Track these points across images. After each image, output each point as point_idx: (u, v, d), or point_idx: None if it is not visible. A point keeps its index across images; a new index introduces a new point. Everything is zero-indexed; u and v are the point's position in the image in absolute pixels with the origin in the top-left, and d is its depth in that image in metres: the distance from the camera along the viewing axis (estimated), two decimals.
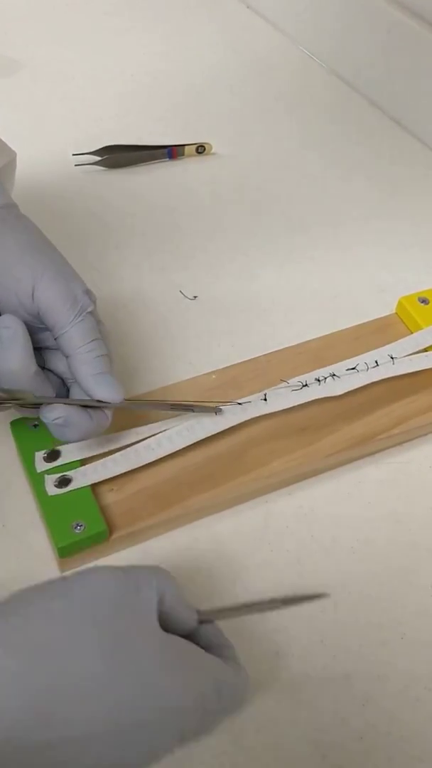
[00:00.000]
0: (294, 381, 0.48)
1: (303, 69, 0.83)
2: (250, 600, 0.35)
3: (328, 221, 0.65)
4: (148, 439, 0.44)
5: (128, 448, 0.44)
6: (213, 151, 0.69)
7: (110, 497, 0.43)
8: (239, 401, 0.46)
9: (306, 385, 0.48)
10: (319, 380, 0.48)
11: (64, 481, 0.42)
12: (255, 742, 0.37)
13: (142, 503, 0.42)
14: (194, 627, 0.33)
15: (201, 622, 0.34)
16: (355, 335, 0.53)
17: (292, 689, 0.38)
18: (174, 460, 0.44)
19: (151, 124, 0.72)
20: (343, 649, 0.40)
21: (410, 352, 0.51)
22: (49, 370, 0.43)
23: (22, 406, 0.40)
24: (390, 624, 0.41)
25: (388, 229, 0.65)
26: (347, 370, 0.49)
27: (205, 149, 0.69)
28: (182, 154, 0.68)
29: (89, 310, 0.40)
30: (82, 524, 0.40)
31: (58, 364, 0.43)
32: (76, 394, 0.42)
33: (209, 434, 0.45)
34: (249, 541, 0.44)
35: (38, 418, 0.40)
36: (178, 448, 0.44)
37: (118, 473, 0.43)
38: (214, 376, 0.49)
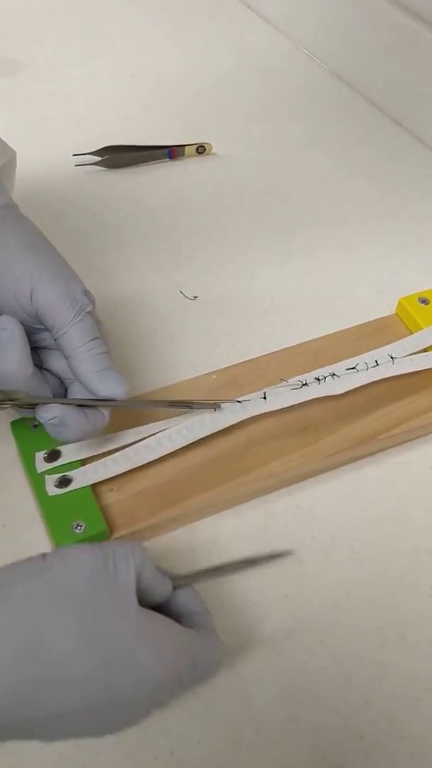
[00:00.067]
0: (294, 380, 0.48)
1: (303, 69, 0.83)
2: (221, 563, 0.37)
3: (328, 221, 0.65)
4: (148, 439, 0.44)
5: (128, 448, 0.44)
6: (213, 151, 0.69)
7: (110, 497, 0.43)
8: (239, 399, 0.46)
9: (306, 384, 0.48)
10: (318, 379, 0.48)
11: (64, 482, 0.42)
12: (255, 742, 0.37)
13: (142, 503, 0.42)
14: (169, 595, 0.35)
15: (176, 587, 0.35)
16: (356, 335, 0.53)
17: (292, 689, 0.38)
18: (174, 460, 0.44)
19: (151, 124, 0.72)
20: (343, 649, 0.40)
21: (410, 352, 0.51)
22: (47, 370, 0.43)
23: (19, 406, 0.40)
24: (390, 624, 0.41)
25: (388, 229, 0.65)
26: (347, 369, 0.49)
27: (205, 149, 0.69)
28: (182, 154, 0.68)
29: (88, 309, 0.40)
30: (82, 524, 0.40)
31: (55, 363, 0.43)
32: (74, 394, 0.42)
33: (209, 433, 0.45)
34: (249, 541, 0.44)
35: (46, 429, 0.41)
36: (177, 447, 0.44)
37: (118, 473, 0.43)
38: (214, 377, 0.49)
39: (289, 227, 0.64)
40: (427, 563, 0.44)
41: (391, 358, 0.50)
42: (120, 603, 0.31)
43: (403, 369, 0.50)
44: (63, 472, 0.42)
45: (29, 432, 0.44)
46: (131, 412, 0.46)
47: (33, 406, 0.40)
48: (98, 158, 0.66)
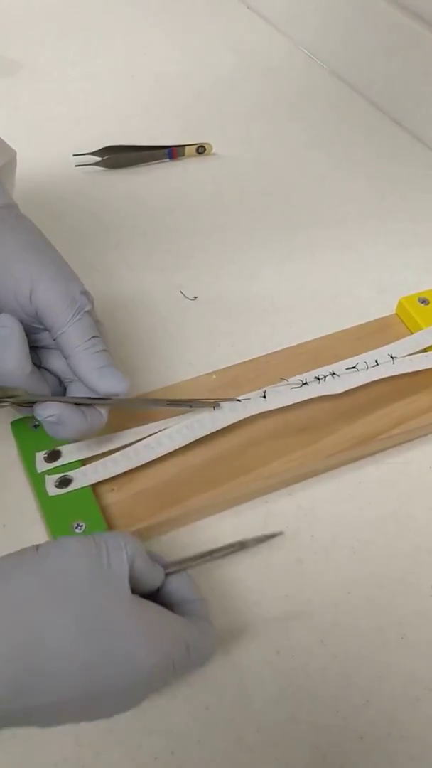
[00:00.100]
0: (294, 379, 0.48)
1: (303, 70, 0.83)
2: (212, 547, 0.38)
3: (328, 221, 0.65)
4: (148, 438, 0.44)
5: (128, 448, 0.44)
6: (213, 151, 0.69)
7: (111, 497, 0.43)
8: (238, 398, 0.46)
9: (306, 383, 0.48)
10: (318, 379, 0.48)
11: (64, 482, 0.42)
12: (255, 742, 0.37)
13: (142, 503, 0.42)
14: (161, 583, 0.36)
15: (168, 573, 0.36)
16: (356, 335, 0.53)
17: (292, 689, 0.38)
18: (174, 460, 0.44)
19: (151, 124, 0.72)
20: (343, 650, 0.40)
21: (410, 352, 0.51)
22: (47, 369, 0.43)
23: (18, 404, 0.40)
24: (390, 624, 0.41)
25: (388, 229, 0.65)
26: (347, 369, 0.49)
27: (205, 149, 0.69)
28: (182, 154, 0.68)
29: (87, 309, 0.41)
30: (82, 524, 0.40)
31: (55, 363, 0.43)
32: (73, 393, 0.42)
33: (209, 432, 0.45)
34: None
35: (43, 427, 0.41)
36: (177, 446, 0.44)
37: (118, 473, 0.43)
38: (214, 377, 0.49)
39: (289, 227, 0.64)
40: (427, 563, 0.44)
41: (391, 357, 0.50)
42: (113, 593, 0.32)
43: (403, 369, 0.50)
44: (63, 472, 0.42)
45: (29, 432, 0.44)
46: (131, 411, 0.46)
47: (31, 404, 0.40)
48: (98, 158, 0.66)
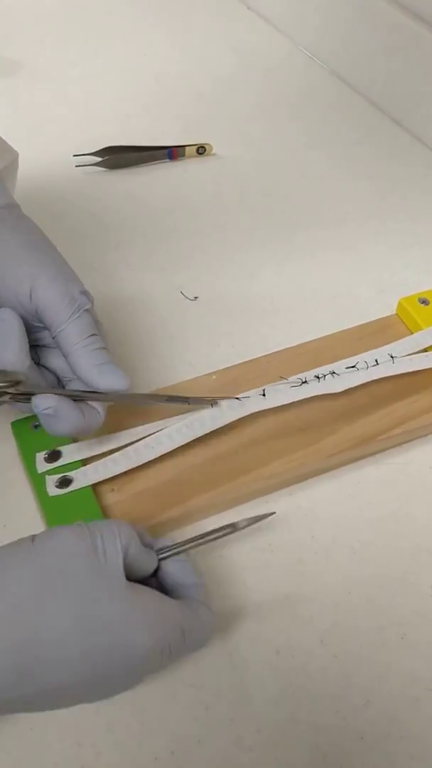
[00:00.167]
0: (293, 378, 0.48)
1: (304, 70, 0.83)
2: (205, 531, 0.38)
3: (328, 221, 0.65)
4: (148, 438, 0.44)
5: (128, 447, 0.44)
6: (213, 151, 0.69)
7: (111, 498, 0.43)
8: (237, 396, 0.46)
9: (305, 381, 0.48)
10: (318, 377, 0.48)
11: (65, 482, 0.42)
12: (255, 742, 0.37)
13: (142, 503, 0.42)
14: (155, 568, 0.36)
15: (165, 558, 0.37)
16: (356, 336, 0.53)
17: (292, 689, 0.39)
18: (174, 460, 0.44)
19: (151, 124, 0.72)
20: (344, 650, 0.40)
21: (410, 352, 0.51)
22: (46, 368, 0.43)
23: (16, 395, 0.39)
24: (390, 624, 0.41)
25: (388, 229, 0.65)
26: (347, 368, 0.49)
27: (205, 150, 0.69)
28: (183, 154, 0.68)
29: (86, 308, 0.41)
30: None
31: (54, 361, 0.43)
32: None
33: (209, 430, 0.45)
34: (249, 542, 0.44)
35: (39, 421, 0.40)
36: (177, 446, 0.44)
37: (118, 472, 0.43)
38: (214, 377, 0.49)
39: (289, 227, 0.64)
40: (427, 563, 0.44)
41: (391, 357, 0.50)
42: (109, 580, 0.32)
43: (403, 368, 0.50)
44: (63, 472, 0.42)
45: (30, 432, 0.44)
46: (131, 411, 0.46)
47: (29, 398, 0.39)
48: (98, 159, 0.66)
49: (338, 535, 0.44)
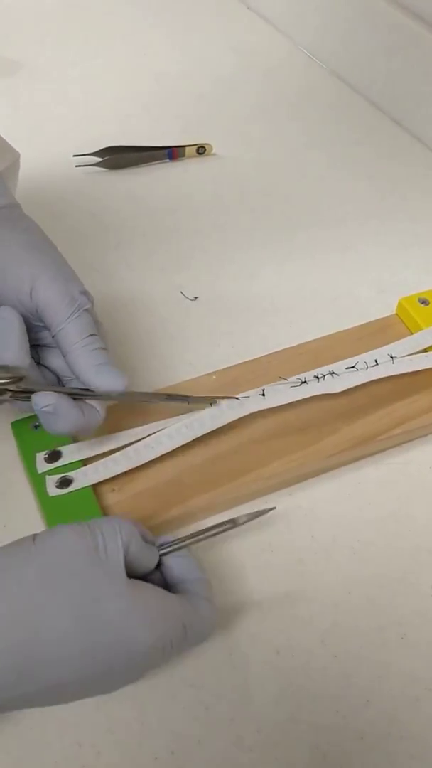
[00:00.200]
0: (293, 378, 0.48)
1: (304, 70, 0.83)
2: (206, 526, 0.38)
3: (329, 221, 0.65)
4: (148, 438, 0.44)
5: (128, 447, 0.44)
6: (213, 152, 0.69)
7: (111, 498, 0.43)
8: (237, 396, 0.46)
9: (305, 381, 0.48)
10: (318, 378, 0.48)
11: (65, 482, 0.42)
12: (255, 742, 0.37)
13: (143, 504, 0.43)
14: (156, 564, 0.36)
15: (166, 554, 0.37)
16: (356, 336, 0.53)
17: (292, 689, 0.39)
18: (175, 460, 0.44)
19: (151, 124, 0.72)
20: (344, 650, 0.40)
21: (410, 353, 0.51)
22: (46, 367, 0.43)
23: (16, 393, 0.39)
24: (390, 624, 0.41)
25: (388, 229, 0.65)
26: (347, 368, 0.49)
27: (205, 150, 0.69)
28: (183, 155, 0.68)
29: (86, 308, 0.41)
30: None
31: (54, 361, 0.43)
32: None
33: (209, 430, 0.45)
34: (249, 542, 0.44)
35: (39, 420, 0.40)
36: (177, 446, 0.44)
37: (118, 472, 0.43)
38: (214, 377, 0.49)
39: (289, 227, 0.64)
40: (427, 563, 0.44)
41: (391, 357, 0.50)
42: (110, 578, 0.32)
43: (402, 368, 0.50)
44: (64, 472, 0.42)
45: (30, 433, 0.44)
46: (130, 411, 0.46)
47: (29, 397, 0.39)
48: (98, 159, 0.66)
49: (338, 535, 0.44)
